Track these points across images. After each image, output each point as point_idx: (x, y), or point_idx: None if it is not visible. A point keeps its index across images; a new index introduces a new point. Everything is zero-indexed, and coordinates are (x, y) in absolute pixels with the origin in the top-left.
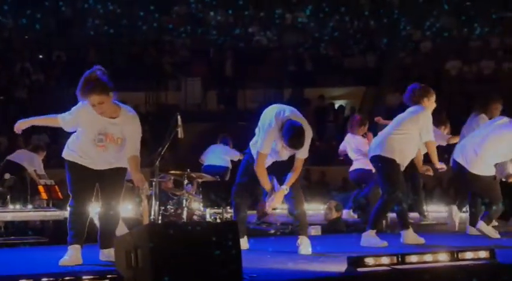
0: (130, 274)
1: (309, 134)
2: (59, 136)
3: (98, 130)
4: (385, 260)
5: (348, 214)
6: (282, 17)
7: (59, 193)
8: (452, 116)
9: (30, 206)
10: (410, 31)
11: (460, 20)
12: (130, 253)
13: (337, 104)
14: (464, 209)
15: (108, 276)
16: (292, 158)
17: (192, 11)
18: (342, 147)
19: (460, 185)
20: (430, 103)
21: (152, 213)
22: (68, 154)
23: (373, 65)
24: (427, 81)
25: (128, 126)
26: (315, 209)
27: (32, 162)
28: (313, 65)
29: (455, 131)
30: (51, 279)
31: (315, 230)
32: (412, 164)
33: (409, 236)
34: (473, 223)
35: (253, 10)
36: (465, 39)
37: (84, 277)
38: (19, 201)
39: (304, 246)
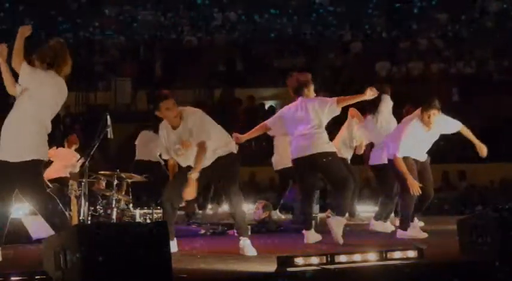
0: (59, 275)
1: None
2: None
3: None
4: (314, 260)
5: (275, 214)
6: (212, 17)
7: None
8: None
9: None
10: (341, 32)
11: (389, 21)
12: (59, 253)
13: (267, 105)
14: None
15: (36, 277)
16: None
17: (122, 11)
18: None
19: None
20: None
21: (81, 214)
22: None
23: (303, 66)
24: (357, 82)
25: None
26: (246, 209)
27: None
28: (244, 65)
29: None
30: None
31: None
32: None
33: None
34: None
35: (184, 10)
36: (394, 41)
37: (12, 278)
38: None
39: (247, 247)
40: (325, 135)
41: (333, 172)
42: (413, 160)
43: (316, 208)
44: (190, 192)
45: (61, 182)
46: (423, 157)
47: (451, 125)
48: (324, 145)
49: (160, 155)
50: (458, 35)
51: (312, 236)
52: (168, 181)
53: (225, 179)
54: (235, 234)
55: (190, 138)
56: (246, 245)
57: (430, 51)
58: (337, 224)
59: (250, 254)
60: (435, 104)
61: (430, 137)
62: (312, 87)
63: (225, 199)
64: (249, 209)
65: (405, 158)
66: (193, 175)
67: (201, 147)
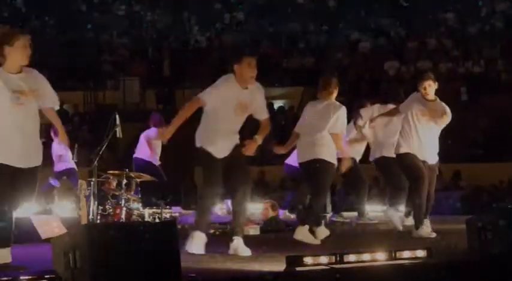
0: (69, 274)
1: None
2: None
3: None
4: (323, 259)
5: (284, 214)
6: (221, 17)
7: None
8: None
9: None
10: (349, 32)
11: (398, 20)
12: (69, 253)
13: (276, 104)
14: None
15: (45, 277)
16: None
17: (131, 11)
18: None
19: None
20: None
21: (91, 213)
22: None
23: (311, 66)
24: (365, 82)
25: None
26: (254, 208)
27: None
28: None
29: None
30: None
31: (254, 230)
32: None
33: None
34: None
35: (192, 10)
36: (403, 40)
37: (21, 278)
38: None
39: (242, 248)
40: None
41: None
42: (422, 161)
43: (329, 207)
44: (251, 148)
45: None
46: (432, 158)
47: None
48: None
49: None
50: (466, 34)
51: (322, 233)
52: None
53: (240, 171)
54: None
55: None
56: (241, 245)
57: (439, 50)
58: None
59: (246, 255)
60: (429, 75)
61: (434, 131)
62: None
63: (232, 194)
64: (258, 208)
65: (412, 156)
66: (259, 138)
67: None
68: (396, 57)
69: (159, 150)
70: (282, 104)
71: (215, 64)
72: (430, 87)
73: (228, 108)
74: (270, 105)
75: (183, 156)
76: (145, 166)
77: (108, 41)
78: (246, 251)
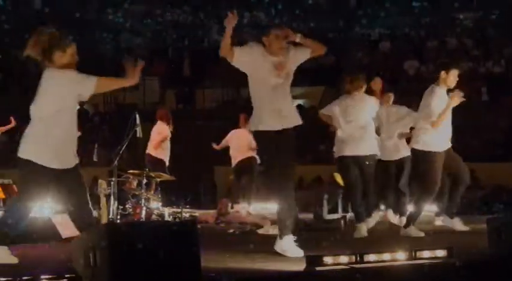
0: (89, 273)
1: None
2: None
3: None
4: (343, 259)
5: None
6: (240, 16)
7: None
8: None
9: None
10: (369, 31)
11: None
12: (89, 252)
13: (295, 103)
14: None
15: (66, 276)
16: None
17: (150, 10)
18: None
19: None
20: None
21: (111, 212)
22: None
23: (331, 65)
24: (385, 81)
25: None
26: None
27: None
28: None
29: None
30: (9, 279)
31: (274, 229)
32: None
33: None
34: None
35: (211, 10)
36: (422, 39)
37: (42, 277)
38: None
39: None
40: None
41: None
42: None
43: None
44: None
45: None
46: (448, 143)
47: None
48: None
49: None
50: (486, 34)
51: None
52: None
53: (287, 162)
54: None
55: None
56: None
57: (459, 50)
58: None
59: (296, 255)
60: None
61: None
62: None
63: (275, 190)
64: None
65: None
66: (300, 36)
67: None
68: (416, 56)
69: (166, 146)
70: (301, 103)
71: None
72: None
73: (264, 70)
74: None
75: (203, 156)
76: (156, 162)
77: (128, 40)
78: (298, 252)
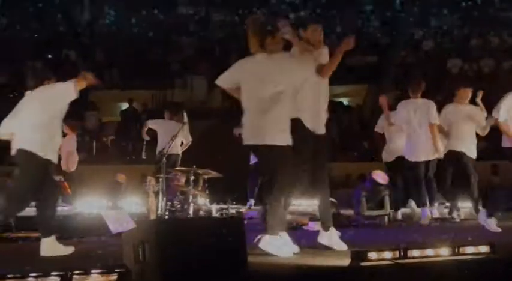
0: (138, 268)
1: None
2: None
3: None
4: (387, 254)
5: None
6: (286, 16)
7: (68, 189)
8: None
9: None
10: (412, 30)
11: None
12: (138, 247)
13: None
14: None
15: (115, 270)
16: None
17: (197, 11)
18: None
19: None
20: None
21: (159, 208)
22: None
23: (375, 64)
24: (428, 80)
25: None
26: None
27: None
28: None
29: None
30: (60, 273)
31: (318, 225)
32: None
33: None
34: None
35: (257, 10)
36: (466, 38)
37: (92, 271)
38: None
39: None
40: None
41: None
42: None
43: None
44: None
45: None
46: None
47: None
48: None
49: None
50: None
51: None
52: None
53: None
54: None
55: None
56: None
57: (501, 48)
58: None
59: (341, 249)
60: None
61: None
62: None
63: (315, 186)
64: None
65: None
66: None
67: None
68: (459, 55)
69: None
70: (346, 103)
71: None
72: None
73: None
74: (331, 103)
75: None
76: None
77: (176, 41)
78: (342, 245)
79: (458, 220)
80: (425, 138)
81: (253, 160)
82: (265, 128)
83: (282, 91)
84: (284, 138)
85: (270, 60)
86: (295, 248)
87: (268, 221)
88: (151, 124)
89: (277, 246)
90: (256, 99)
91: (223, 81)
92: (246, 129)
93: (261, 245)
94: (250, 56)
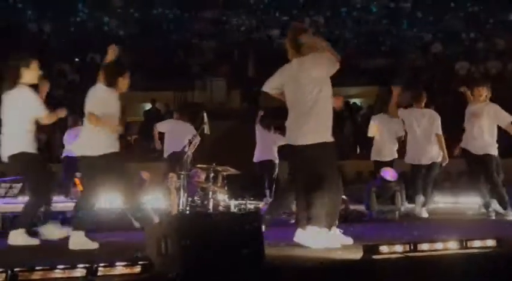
0: (160, 260)
1: None
2: None
3: None
4: (398, 248)
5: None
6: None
7: (80, 186)
8: (461, 114)
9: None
10: (421, 34)
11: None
12: (161, 241)
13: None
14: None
15: (139, 263)
16: None
17: (217, 16)
18: None
19: None
20: None
21: (181, 204)
22: None
23: (386, 66)
24: (437, 81)
25: None
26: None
27: None
28: None
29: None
30: (86, 265)
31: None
32: None
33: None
34: None
35: (274, 14)
36: (473, 41)
37: (117, 264)
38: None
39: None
40: None
41: None
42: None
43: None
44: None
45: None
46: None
47: None
48: None
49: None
50: None
51: None
52: None
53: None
54: None
55: None
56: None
57: (508, 51)
58: None
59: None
60: None
61: None
62: None
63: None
64: None
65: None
66: None
67: None
68: (466, 58)
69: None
70: (356, 102)
71: None
72: None
73: None
74: (346, 104)
75: None
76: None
77: (197, 44)
78: (347, 240)
79: (493, 217)
80: (427, 145)
81: (258, 158)
82: (310, 127)
83: (320, 90)
84: (329, 135)
85: (302, 62)
86: (348, 240)
87: (314, 214)
88: (160, 127)
89: (314, 237)
90: (297, 101)
91: (268, 87)
92: (291, 131)
93: (297, 238)
94: (288, 63)
